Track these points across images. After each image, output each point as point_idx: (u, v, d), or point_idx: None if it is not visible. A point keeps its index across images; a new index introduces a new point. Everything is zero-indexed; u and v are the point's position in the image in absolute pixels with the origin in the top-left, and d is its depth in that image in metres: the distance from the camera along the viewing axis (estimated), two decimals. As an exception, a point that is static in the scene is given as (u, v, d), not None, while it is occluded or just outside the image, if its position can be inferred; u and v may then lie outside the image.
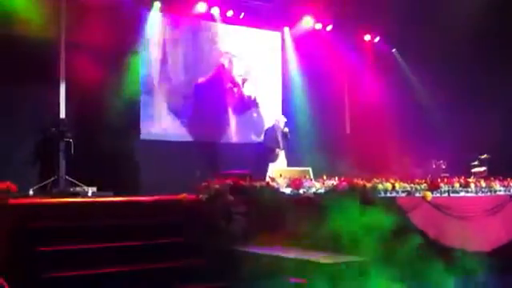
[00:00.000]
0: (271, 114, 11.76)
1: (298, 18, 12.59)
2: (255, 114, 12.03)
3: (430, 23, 11.56)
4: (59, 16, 9.72)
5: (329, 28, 12.91)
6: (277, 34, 12.61)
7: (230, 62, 11.86)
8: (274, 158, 10.01)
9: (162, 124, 10.94)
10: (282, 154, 10.14)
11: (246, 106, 12.00)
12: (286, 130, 10.26)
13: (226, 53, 11.83)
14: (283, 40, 12.65)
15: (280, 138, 10.19)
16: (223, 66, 11.79)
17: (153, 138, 10.75)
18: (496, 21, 11.31)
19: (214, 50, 11.73)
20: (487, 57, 11.66)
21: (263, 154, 10.26)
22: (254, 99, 12.05)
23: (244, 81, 11.90)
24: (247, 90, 11.95)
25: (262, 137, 10.71)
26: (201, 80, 11.50)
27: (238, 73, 11.93)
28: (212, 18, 11.69)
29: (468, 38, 11.19)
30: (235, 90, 11.83)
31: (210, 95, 11.56)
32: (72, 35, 9.76)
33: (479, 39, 11.26)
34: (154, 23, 11.03)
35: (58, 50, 9.67)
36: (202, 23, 11.66)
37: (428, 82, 12.09)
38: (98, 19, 9.93)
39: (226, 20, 11.79)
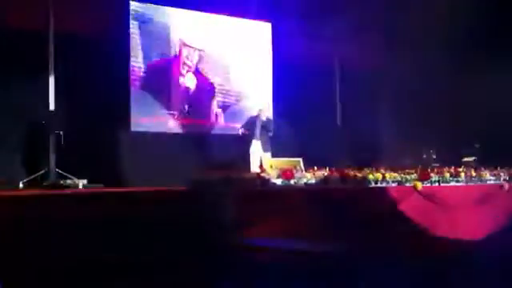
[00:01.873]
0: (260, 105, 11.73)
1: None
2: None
3: (421, 9, 11.54)
4: (47, 6, 9.62)
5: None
6: (267, 25, 12.54)
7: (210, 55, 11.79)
8: (248, 146, 10.05)
9: (152, 116, 10.89)
10: (256, 144, 10.13)
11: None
12: (266, 121, 10.25)
13: (211, 45, 11.76)
14: (273, 30, 12.59)
15: (257, 128, 10.18)
16: (207, 57, 11.71)
17: (143, 129, 10.71)
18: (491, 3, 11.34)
19: (200, 40, 11.64)
20: (479, 42, 11.66)
21: (242, 142, 10.29)
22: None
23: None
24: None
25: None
26: (187, 70, 11.44)
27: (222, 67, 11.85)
28: (200, 8, 11.63)
29: (459, 22, 11.15)
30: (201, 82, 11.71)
31: (199, 86, 11.52)
32: (60, 26, 9.68)
33: (471, 24, 11.22)
34: (141, 12, 10.93)
35: (47, 40, 9.59)
36: (190, 12, 11.58)
37: (418, 70, 12.05)
38: (86, 9, 9.91)
39: (215, 10, 11.73)
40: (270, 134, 10.29)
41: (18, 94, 9.84)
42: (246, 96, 12.05)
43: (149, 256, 6.11)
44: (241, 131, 10.24)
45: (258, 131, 10.12)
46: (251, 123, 10.19)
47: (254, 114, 10.54)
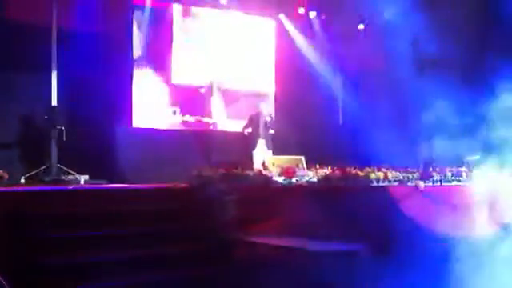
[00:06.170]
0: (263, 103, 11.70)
1: (294, 5, 12.52)
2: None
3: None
4: (51, 1, 9.60)
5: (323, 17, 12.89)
6: (271, 21, 12.49)
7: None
8: (254, 146, 10.01)
9: (153, 112, 10.88)
10: (261, 143, 10.10)
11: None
12: (268, 118, 10.23)
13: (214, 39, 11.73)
14: (278, 27, 12.55)
15: (261, 126, 10.16)
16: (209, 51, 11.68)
17: (145, 125, 10.69)
18: None
19: (205, 36, 11.62)
20: (478, 33, 11.59)
21: (246, 141, 10.26)
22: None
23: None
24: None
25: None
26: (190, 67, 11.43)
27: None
28: (204, 3, 11.60)
29: (458, 12, 11.08)
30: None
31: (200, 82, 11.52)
32: (63, 21, 9.66)
33: (468, 14, 11.15)
34: (144, 8, 10.91)
35: (50, 36, 9.57)
36: (193, 8, 11.55)
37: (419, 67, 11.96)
38: (88, 4, 9.89)
39: (218, 6, 11.70)
40: (272, 131, 10.27)
41: (21, 89, 9.85)
42: (248, 92, 12.00)
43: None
44: (246, 131, 10.16)
45: (262, 129, 10.08)
46: (255, 122, 10.15)
47: (254, 112, 10.49)
